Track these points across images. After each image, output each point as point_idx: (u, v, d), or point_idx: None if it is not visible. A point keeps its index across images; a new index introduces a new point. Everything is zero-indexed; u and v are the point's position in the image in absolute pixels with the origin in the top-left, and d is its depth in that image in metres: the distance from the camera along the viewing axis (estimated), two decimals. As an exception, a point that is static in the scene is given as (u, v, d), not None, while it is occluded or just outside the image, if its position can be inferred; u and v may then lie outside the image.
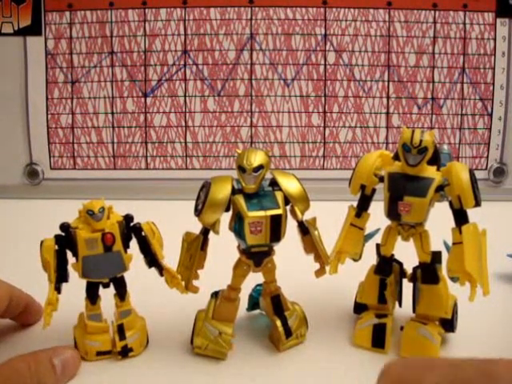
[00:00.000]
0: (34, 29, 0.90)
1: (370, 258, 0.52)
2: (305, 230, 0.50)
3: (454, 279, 0.49)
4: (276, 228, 0.47)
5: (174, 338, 0.52)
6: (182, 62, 0.92)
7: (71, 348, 0.47)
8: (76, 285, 0.48)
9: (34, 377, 0.42)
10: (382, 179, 0.50)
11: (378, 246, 0.52)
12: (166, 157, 0.93)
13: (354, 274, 0.53)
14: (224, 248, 0.48)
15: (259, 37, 0.91)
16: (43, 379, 0.42)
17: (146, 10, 0.91)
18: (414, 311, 0.52)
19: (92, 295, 0.49)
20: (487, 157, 0.93)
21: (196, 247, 0.49)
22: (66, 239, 0.47)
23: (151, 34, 0.91)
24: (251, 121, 0.93)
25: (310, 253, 0.51)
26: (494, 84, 0.91)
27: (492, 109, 0.92)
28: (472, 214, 0.49)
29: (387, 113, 0.93)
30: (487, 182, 0.92)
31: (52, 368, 0.43)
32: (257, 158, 0.47)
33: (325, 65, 0.92)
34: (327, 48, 0.91)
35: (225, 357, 0.49)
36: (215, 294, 0.51)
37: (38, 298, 0.54)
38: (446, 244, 0.54)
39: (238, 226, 0.47)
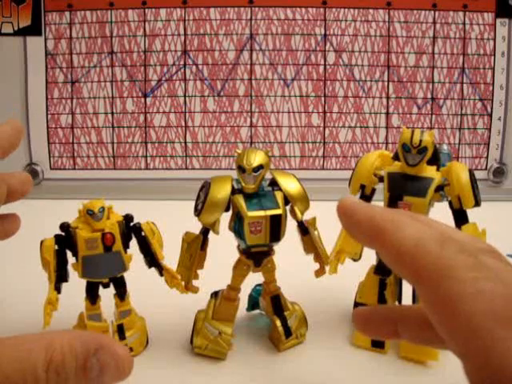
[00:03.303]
0: (34, 29, 0.90)
1: (369, 258, 0.52)
2: (304, 230, 0.50)
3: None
4: (276, 228, 0.47)
5: (173, 338, 0.52)
6: (182, 62, 0.92)
7: (122, 348, 0.30)
8: (76, 285, 0.48)
9: (52, 376, 0.25)
10: (381, 179, 0.50)
11: (377, 246, 0.52)
12: (165, 157, 0.93)
13: (353, 274, 0.53)
14: (224, 248, 0.48)
15: (259, 37, 0.91)
16: (63, 381, 0.26)
17: (146, 10, 0.91)
18: (413, 311, 0.52)
19: (92, 295, 0.49)
20: (487, 157, 0.93)
21: (196, 247, 0.49)
22: (65, 239, 0.47)
23: (151, 34, 0.91)
24: (251, 121, 0.93)
25: (310, 253, 0.51)
26: (493, 84, 0.91)
27: (492, 109, 0.92)
28: (472, 214, 0.49)
29: (387, 113, 0.93)
30: (487, 182, 0.92)
31: (82, 370, 0.26)
32: (256, 158, 0.47)
33: (324, 65, 0.92)
34: (327, 48, 0.91)
35: (225, 357, 0.49)
36: (215, 294, 0.51)
37: (38, 298, 0.54)
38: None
39: (237, 225, 0.47)
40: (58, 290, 0.47)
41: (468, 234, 0.28)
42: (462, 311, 0.23)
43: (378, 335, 0.33)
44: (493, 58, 0.91)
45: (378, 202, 0.50)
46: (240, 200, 0.47)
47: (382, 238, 0.27)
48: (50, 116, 0.93)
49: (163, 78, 0.92)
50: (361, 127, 0.93)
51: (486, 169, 0.93)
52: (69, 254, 0.48)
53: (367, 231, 0.28)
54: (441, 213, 0.49)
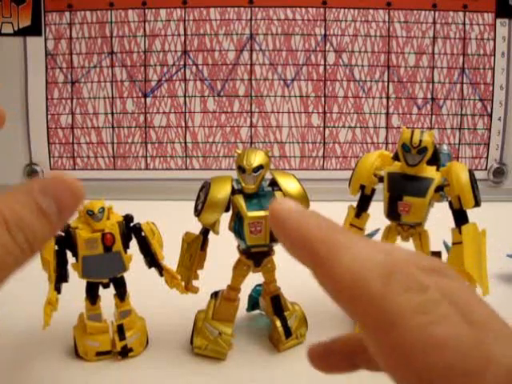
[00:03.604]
0: (34, 29, 0.90)
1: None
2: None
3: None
4: (276, 228, 0.47)
5: (173, 338, 0.52)
6: (182, 63, 0.92)
7: (66, 175, 0.26)
8: (76, 285, 0.48)
9: (17, 234, 0.23)
10: (381, 179, 0.50)
11: (377, 246, 0.52)
12: (165, 157, 0.93)
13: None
14: (224, 248, 0.48)
15: (259, 37, 0.91)
16: (30, 233, 0.24)
17: (146, 11, 0.91)
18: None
19: (92, 295, 0.49)
20: (487, 157, 0.93)
21: (196, 247, 0.49)
22: (65, 239, 0.47)
23: (151, 35, 0.91)
24: (251, 121, 0.93)
25: (310, 253, 0.51)
26: (493, 84, 0.91)
27: (492, 109, 0.92)
28: (472, 214, 0.49)
29: (387, 113, 0.93)
30: (487, 182, 0.92)
31: (40, 213, 0.24)
32: (256, 158, 0.47)
33: (324, 65, 0.92)
34: (327, 48, 0.91)
35: (225, 357, 0.49)
36: (215, 294, 0.51)
37: (38, 298, 0.54)
38: (445, 244, 0.54)
39: (237, 226, 0.47)
40: (57, 290, 0.47)
41: (408, 250, 0.23)
42: (413, 367, 0.20)
43: (337, 371, 0.29)
44: (493, 58, 0.91)
45: (378, 202, 0.50)
46: (240, 200, 0.47)
47: (315, 262, 0.23)
48: (50, 116, 0.93)
49: (163, 78, 0.92)
50: (361, 127, 0.93)
51: (486, 169, 0.93)
52: (69, 254, 0.48)
53: (298, 248, 0.24)
54: (441, 213, 0.49)
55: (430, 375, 0.20)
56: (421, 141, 0.47)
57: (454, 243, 0.49)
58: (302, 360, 0.49)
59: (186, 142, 0.93)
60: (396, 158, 0.50)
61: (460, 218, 0.48)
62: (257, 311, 0.56)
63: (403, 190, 0.48)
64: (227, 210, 0.48)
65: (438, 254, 0.50)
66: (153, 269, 0.50)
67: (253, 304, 0.56)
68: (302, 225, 0.24)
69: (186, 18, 0.91)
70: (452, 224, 0.49)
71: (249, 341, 0.52)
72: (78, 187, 0.25)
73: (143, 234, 0.49)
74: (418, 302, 0.21)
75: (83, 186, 0.25)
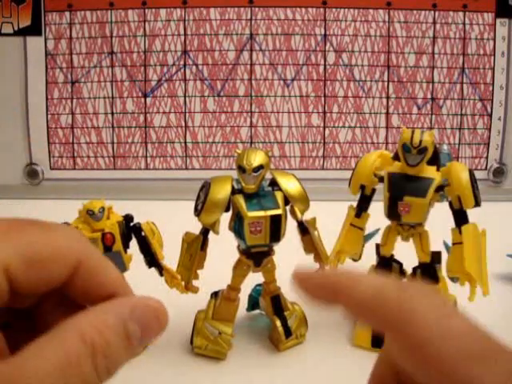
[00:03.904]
0: (34, 29, 0.90)
1: (370, 258, 0.52)
2: (304, 230, 0.50)
3: (453, 279, 0.49)
4: (276, 228, 0.47)
5: (174, 338, 0.52)
6: (182, 63, 0.92)
7: (152, 299, 0.26)
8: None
9: (100, 364, 0.22)
10: (381, 179, 0.50)
11: (377, 246, 0.52)
12: (165, 157, 0.93)
13: (353, 274, 0.53)
14: (224, 248, 0.48)
15: (259, 37, 0.91)
16: (112, 362, 0.23)
17: (146, 10, 0.91)
18: (413, 311, 0.52)
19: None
20: (487, 157, 0.93)
21: (196, 247, 0.49)
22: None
23: (151, 34, 0.91)
24: (251, 121, 0.93)
25: (310, 253, 0.51)
26: (493, 84, 0.91)
27: (492, 109, 0.92)
28: (472, 214, 0.49)
29: (387, 113, 0.93)
30: (487, 182, 0.92)
31: (126, 339, 0.23)
32: (257, 158, 0.47)
33: (324, 65, 0.92)
34: (327, 48, 0.91)
35: (225, 357, 0.49)
36: (215, 294, 0.51)
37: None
38: (445, 244, 0.54)
39: (237, 226, 0.47)
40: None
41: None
42: (434, 354, 0.23)
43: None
44: (493, 58, 0.91)
45: (378, 202, 0.50)
46: (240, 200, 0.47)
47: (340, 294, 0.27)
48: (49, 116, 0.93)
49: (163, 78, 0.92)
50: (361, 127, 0.93)
51: (486, 169, 0.93)
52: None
53: (325, 291, 0.28)
54: (441, 213, 0.49)
55: (450, 360, 0.22)
56: (421, 141, 0.47)
57: (454, 243, 0.49)
58: (302, 360, 0.50)
59: (186, 142, 0.93)
60: (396, 158, 0.50)
61: (460, 218, 0.48)
62: (257, 311, 0.56)
63: (403, 190, 0.48)
64: (227, 209, 0.48)
65: (438, 254, 0.51)
66: (153, 269, 0.50)
67: (253, 304, 0.56)
68: (323, 273, 0.28)
69: (186, 18, 0.91)
70: (452, 224, 0.49)
71: (249, 341, 0.52)
72: (163, 314, 0.25)
73: (143, 233, 0.49)
74: (429, 301, 0.24)
75: (167, 313, 0.25)
